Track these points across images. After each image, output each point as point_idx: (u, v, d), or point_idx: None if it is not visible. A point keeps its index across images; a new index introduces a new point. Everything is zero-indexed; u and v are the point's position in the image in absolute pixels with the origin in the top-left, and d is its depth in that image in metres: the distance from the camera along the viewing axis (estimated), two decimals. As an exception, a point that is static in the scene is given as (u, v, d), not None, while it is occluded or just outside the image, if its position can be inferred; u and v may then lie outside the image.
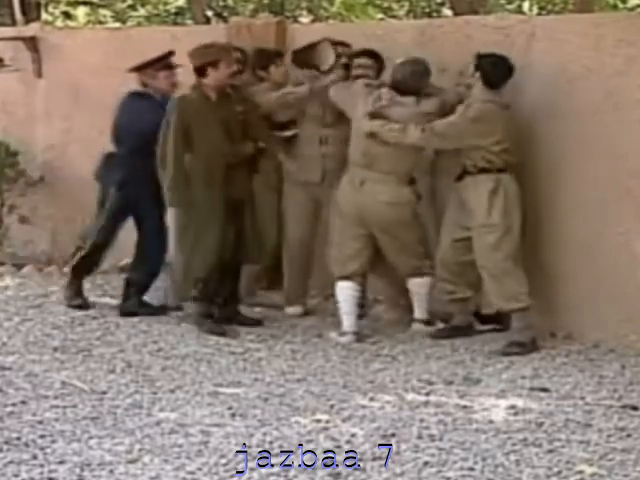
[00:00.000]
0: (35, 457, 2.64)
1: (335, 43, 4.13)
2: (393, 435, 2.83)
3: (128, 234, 5.28)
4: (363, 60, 4.06)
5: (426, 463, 2.63)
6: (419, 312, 3.93)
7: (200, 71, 3.83)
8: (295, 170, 4.16)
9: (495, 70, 3.74)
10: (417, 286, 3.89)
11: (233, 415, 2.98)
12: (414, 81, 3.78)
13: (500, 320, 3.92)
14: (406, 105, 3.78)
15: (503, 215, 3.71)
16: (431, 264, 3.87)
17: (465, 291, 3.88)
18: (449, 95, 3.84)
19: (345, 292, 3.83)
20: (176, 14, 9.01)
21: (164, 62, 4.14)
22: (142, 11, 9.08)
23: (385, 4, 8.83)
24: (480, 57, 3.76)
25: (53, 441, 2.75)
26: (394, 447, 2.73)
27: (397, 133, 3.73)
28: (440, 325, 3.95)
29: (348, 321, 3.82)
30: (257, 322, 4.02)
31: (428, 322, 3.95)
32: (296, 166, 4.15)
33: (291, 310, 4.22)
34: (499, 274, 3.72)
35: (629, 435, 2.86)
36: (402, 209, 3.79)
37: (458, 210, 3.84)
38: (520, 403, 3.12)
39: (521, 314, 3.72)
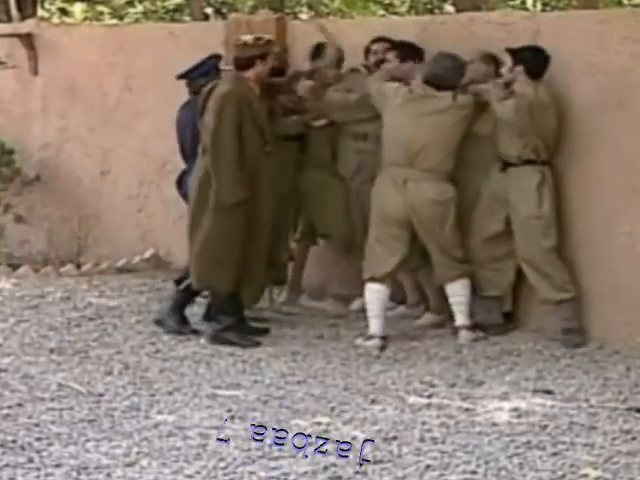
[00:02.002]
0: (31, 460, 2.62)
1: (377, 40, 4.07)
2: (395, 438, 2.80)
3: (126, 233, 5.24)
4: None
5: (428, 466, 2.61)
6: (462, 318, 3.79)
7: (248, 63, 3.70)
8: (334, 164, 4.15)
9: (537, 60, 3.73)
10: (456, 290, 3.76)
11: (232, 418, 2.95)
12: (455, 75, 3.72)
13: (510, 320, 3.94)
14: (443, 99, 3.71)
15: (551, 207, 3.74)
16: (468, 266, 3.77)
17: (491, 289, 3.86)
18: (480, 88, 3.78)
19: (375, 294, 3.74)
20: (174, 11, 8.96)
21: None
22: (140, 7, 9.04)
23: (386, 0, 8.78)
24: (516, 51, 3.73)
25: (49, 444, 2.73)
26: (396, 450, 2.70)
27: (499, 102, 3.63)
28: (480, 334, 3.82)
29: (375, 325, 3.72)
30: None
31: (473, 327, 3.80)
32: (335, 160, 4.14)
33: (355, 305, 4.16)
34: (545, 265, 3.74)
35: (634, 438, 2.84)
36: (446, 206, 3.73)
37: (492, 204, 3.80)
38: (523, 405, 3.10)
39: (569, 304, 3.74)
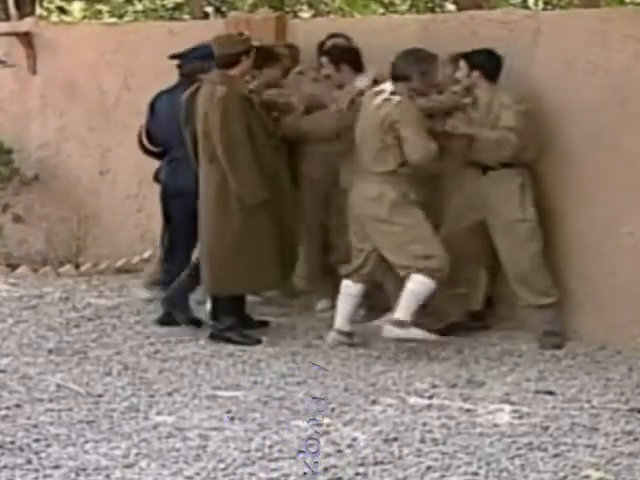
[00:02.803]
0: (29, 461, 2.60)
1: (333, 36, 4.09)
2: (395, 439, 2.79)
3: (125, 233, 5.22)
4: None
5: (429, 468, 2.59)
6: (399, 312, 3.59)
7: (235, 60, 3.65)
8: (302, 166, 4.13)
9: (492, 63, 3.72)
10: (412, 283, 3.60)
11: (232, 419, 2.94)
12: (406, 64, 3.61)
13: (485, 317, 3.94)
14: (382, 95, 3.60)
15: (534, 209, 3.73)
16: (434, 267, 3.64)
17: (460, 287, 3.85)
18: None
19: (343, 290, 3.76)
20: (174, 9, 8.93)
21: None
22: (139, 6, 9.01)
23: (387, -1, 8.74)
24: (470, 55, 3.71)
25: (48, 445, 2.71)
26: (396, 451, 2.69)
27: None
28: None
29: (337, 319, 3.74)
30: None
31: (402, 324, 3.57)
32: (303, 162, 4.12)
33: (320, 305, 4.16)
34: (529, 269, 3.73)
35: (636, 439, 2.82)
36: (380, 205, 3.64)
37: (465, 205, 3.80)
38: (525, 406, 3.08)
39: (551, 308, 3.74)
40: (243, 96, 3.68)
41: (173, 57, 4.03)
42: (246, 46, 3.71)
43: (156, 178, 4.14)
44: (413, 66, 3.65)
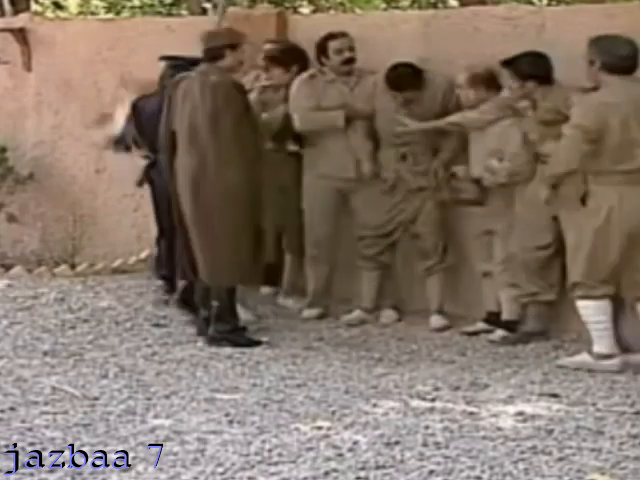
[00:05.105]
0: (25, 465, 2.54)
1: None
2: (397, 443, 2.75)
3: (122, 233, 5.17)
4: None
5: (431, 472, 2.55)
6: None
7: (218, 53, 3.63)
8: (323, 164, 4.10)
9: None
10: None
11: (231, 422, 2.89)
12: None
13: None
14: None
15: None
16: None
17: (548, 294, 3.75)
18: None
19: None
20: (171, 5, 8.88)
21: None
22: (136, 1, 8.95)
23: (388, -5, 8.68)
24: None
25: (43, 449, 2.66)
26: (398, 455, 2.65)
27: None
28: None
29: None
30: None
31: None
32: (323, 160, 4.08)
33: (307, 313, 4.14)
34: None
35: (642, 442, 2.79)
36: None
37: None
38: (529, 409, 3.05)
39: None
40: (235, 83, 3.65)
41: (167, 58, 3.99)
42: (230, 39, 3.68)
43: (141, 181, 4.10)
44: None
